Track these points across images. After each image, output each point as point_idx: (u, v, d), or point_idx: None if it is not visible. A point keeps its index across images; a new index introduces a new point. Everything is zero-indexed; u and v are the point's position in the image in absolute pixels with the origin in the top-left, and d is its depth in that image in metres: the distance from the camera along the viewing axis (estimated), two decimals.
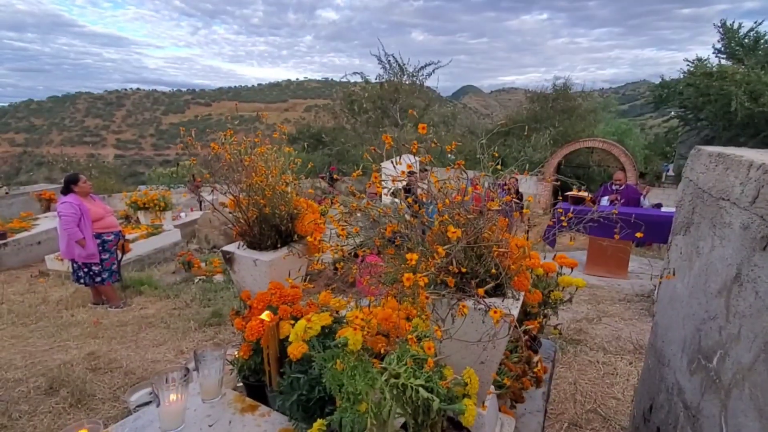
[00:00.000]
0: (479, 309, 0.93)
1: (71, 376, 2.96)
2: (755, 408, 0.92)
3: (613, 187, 6.51)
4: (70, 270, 4.73)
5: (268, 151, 1.49)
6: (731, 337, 1.06)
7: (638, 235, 1.08)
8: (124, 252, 4.87)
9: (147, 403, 1.31)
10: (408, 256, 0.79)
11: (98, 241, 4.44)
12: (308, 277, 1.94)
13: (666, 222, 4.80)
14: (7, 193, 8.97)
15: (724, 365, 1.08)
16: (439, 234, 1.00)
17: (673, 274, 1.52)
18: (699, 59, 14.11)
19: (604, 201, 6.40)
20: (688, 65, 14.23)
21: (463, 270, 0.96)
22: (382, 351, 1.01)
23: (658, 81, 15.80)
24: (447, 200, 0.96)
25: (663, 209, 5.75)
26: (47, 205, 8.83)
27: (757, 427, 0.91)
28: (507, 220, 1.00)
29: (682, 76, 14.29)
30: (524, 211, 1.09)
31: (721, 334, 1.11)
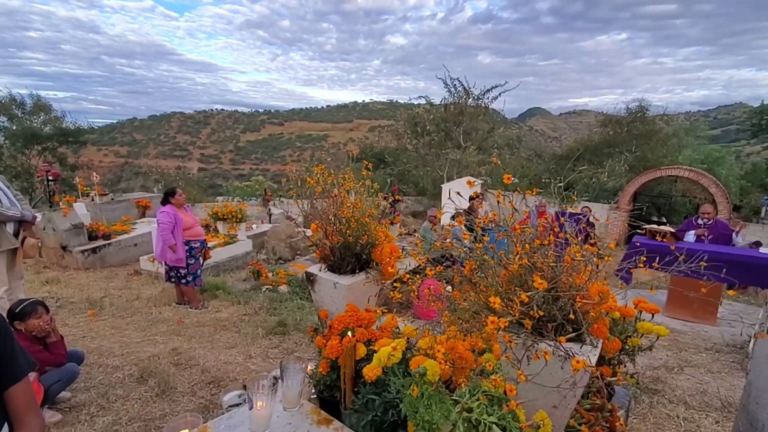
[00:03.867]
0: (558, 355, 0.95)
1: (158, 368, 3.31)
2: None
3: (699, 221, 5.92)
4: (162, 271, 5.32)
5: (354, 186, 1.64)
6: None
7: (731, 293, 1.02)
8: (205, 258, 5.39)
9: (237, 405, 1.46)
10: (492, 299, 0.84)
11: (186, 247, 4.97)
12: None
13: (766, 264, 4.24)
14: (112, 199, 10.35)
15: None
16: (517, 276, 1.04)
17: None
18: None
19: (690, 236, 5.83)
20: None
21: (541, 313, 0.99)
22: (462, 384, 1.05)
23: (757, 104, 14.18)
24: (527, 245, 1.00)
25: (762, 249, 5.07)
26: (143, 211, 10.03)
27: None
28: (590, 268, 1.01)
29: None
30: (593, 250, 1.07)
31: None
